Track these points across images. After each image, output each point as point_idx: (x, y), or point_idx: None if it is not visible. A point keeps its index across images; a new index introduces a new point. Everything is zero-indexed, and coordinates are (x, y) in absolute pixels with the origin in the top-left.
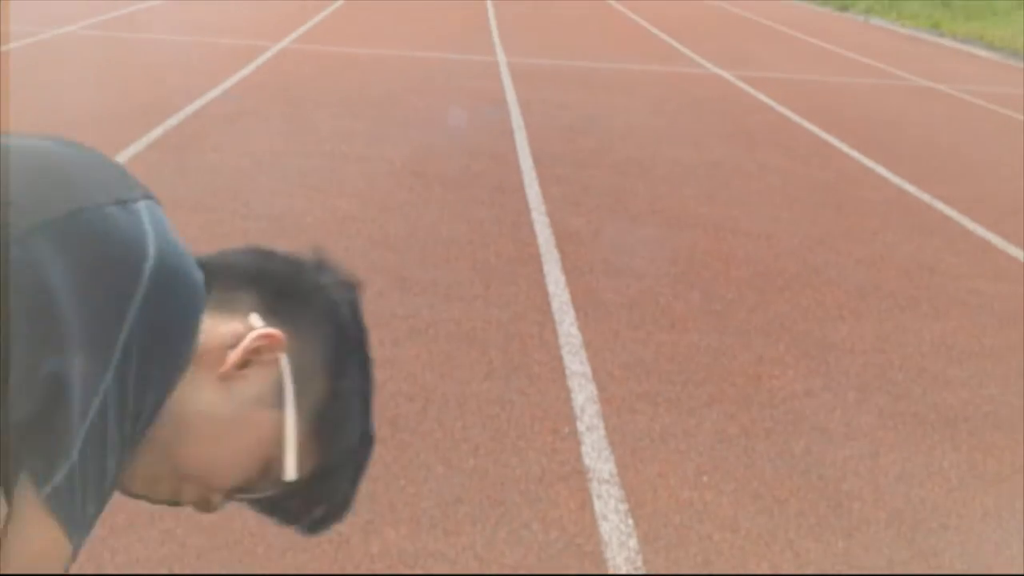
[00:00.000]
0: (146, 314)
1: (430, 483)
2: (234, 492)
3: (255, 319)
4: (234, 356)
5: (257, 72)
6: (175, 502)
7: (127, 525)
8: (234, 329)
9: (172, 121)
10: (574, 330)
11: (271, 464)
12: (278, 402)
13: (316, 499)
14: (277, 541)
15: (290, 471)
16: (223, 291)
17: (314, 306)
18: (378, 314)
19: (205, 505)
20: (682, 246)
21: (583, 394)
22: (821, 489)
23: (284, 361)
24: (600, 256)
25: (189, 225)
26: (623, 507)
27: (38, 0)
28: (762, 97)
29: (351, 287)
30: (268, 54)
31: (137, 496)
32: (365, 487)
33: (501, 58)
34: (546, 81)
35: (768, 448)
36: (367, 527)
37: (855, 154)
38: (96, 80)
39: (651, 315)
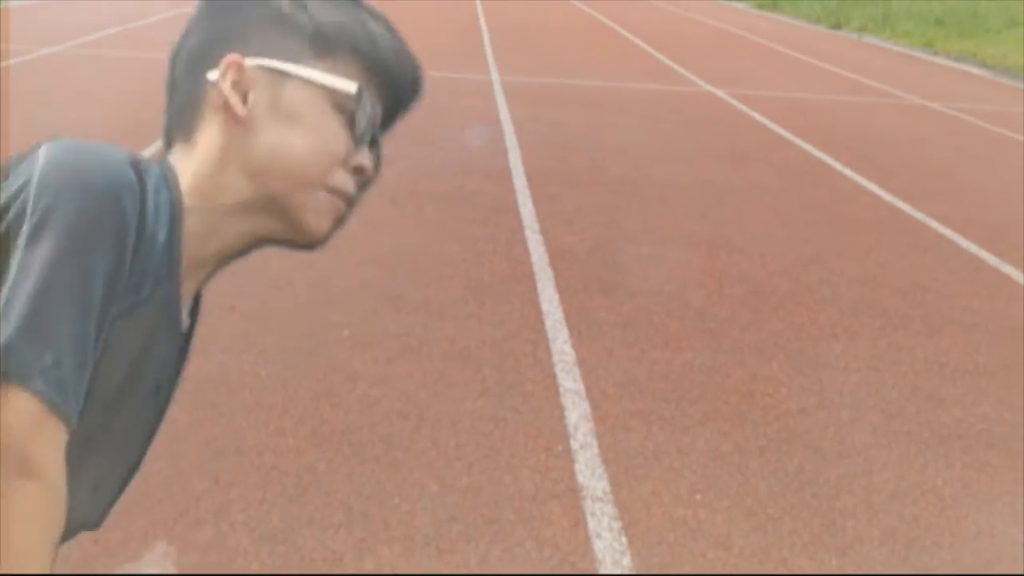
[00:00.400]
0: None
1: (424, 501)
2: (358, 141)
3: (209, 75)
4: (230, 100)
5: None
6: (347, 203)
7: (120, 544)
8: (214, 98)
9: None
10: (568, 348)
11: (341, 101)
12: (288, 77)
13: (394, 71)
14: (270, 560)
15: (347, 85)
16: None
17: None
18: (371, 332)
19: (358, 171)
20: (675, 264)
21: (577, 412)
22: (815, 507)
23: (249, 61)
24: (594, 274)
25: None
26: (617, 525)
27: (33, 19)
28: (755, 115)
29: None
30: None
31: (322, 232)
32: (358, 505)
33: (495, 76)
34: (539, 99)
35: (762, 466)
36: (360, 545)
37: (848, 172)
38: (86, 100)
39: (645, 333)
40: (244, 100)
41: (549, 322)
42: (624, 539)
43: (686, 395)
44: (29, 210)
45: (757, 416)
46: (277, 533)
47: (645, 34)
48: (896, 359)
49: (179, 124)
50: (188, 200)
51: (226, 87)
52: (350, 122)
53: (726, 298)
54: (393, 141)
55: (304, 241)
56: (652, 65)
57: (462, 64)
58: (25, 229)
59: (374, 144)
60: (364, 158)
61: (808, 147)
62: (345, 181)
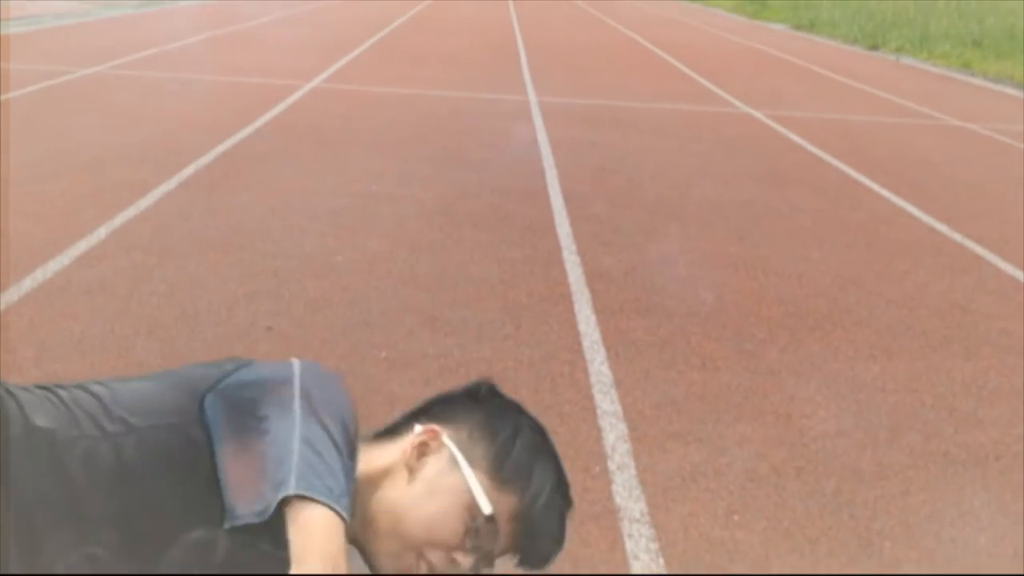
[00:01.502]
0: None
1: None
2: (466, 547)
3: (416, 428)
4: (409, 450)
5: (288, 111)
6: (433, 571)
7: None
8: (406, 442)
9: (203, 160)
10: (605, 369)
11: (474, 513)
12: (456, 468)
13: (533, 534)
14: None
15: (485, 506)
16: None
17: (460, 401)
18: (408, 354)
19: (453, 566)
20: (713, 285)
21: (614, 433)
22: (852, 528)
23: (446, 439)
24: (631, 295)
25: (219, 264)
26: (654, 546)
27: (66, 40)
28: (793, 136)
29: (484, 383)
30: (299, 94)
31: (379, 572)
32: None
33: (532, 97)
34: (577, 120)
35: (799, 487)
36: None
37: (886, 193)
38: (126, 120)
39: (682, 354)
40: (421, 457)
41: (586, 343)
42: (661, 560)
43: (723, 416)
44: (297, 393)
45: (795, 437)
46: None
47: (683, 55)
48: (934, 380)
49: (392, 427)
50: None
51: (416, 441)
52: (470, 529)
53: (763, 319)
54: (430, 163)
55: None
56: (689, 86)
57: (499, 85)
58: (297, 407)
59: (483, 561)
60: (463, 558)
61: (846, 168)
62: (439, 561)
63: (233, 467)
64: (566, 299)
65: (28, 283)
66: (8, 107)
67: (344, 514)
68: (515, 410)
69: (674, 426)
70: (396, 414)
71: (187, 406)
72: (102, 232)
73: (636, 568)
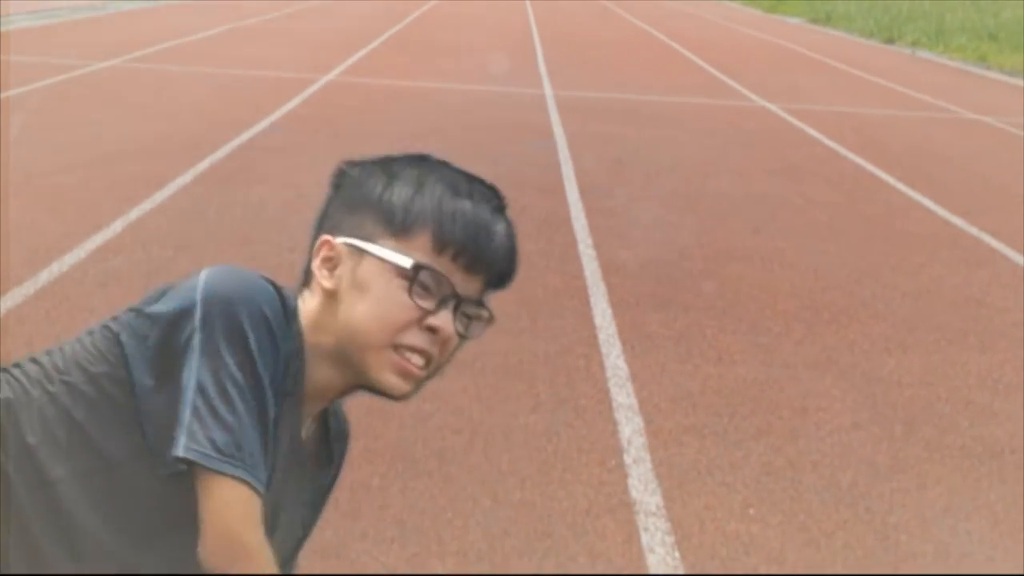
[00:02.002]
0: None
1: (477, 516)
2: (429, 309)
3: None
4: (317, 275)
5: (304, 105)
6: (425, 358)
7: None
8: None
9: (218, 154)
10: (621, 363)
11: (403, 274)
12: (362, 254)
13: (467, 245)
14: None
15: (403, 261)
16: None
17: (331, 204)
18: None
19: (439, 335)
20: (729, 279)
21: (630, 427)
22: (868, 522)
23: (338, 240)
24: (647, 289)
25: (235, 258)
26: (670, 540)
27: (82, 34)
28: (809, 130)
29: (337, 169)
30: (314, 87)
31: (399, 390)
32: (411, 520)
33: (547, 91)
34: (593, 113)
35: (815, 481)
36: (413, 560)
37: (902, 187)
38: (142, 113)
39: (698, 348)
40: (333, 271)
41: (602, 337)
42: (677, 554)
43: (739, 409)
44: (198, 326)
45: (810, 430)
46: (330, 548)
47: (698, 48)
48: (949, 374)
49: (306, 272)
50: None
51: (316, 264)
52: (410, 289)
53: (779, 313)
54: (445, 156)
55: (385, 394)
56: (705, 79)
57: (515, 78)
58: (196, 343)
59: (464, 307)
60: (437, 320)
61: (861, 161)
62: (418, 339)
63: (154, 413)
64: (582, 292)
65: (44, 276)
66: (24, 100)
67: (244, 473)
68: (379, 165)
69: (690, 420)
70: (407, 411)
71: (114, 350)
72: (118, 225)
73: (652, 561)
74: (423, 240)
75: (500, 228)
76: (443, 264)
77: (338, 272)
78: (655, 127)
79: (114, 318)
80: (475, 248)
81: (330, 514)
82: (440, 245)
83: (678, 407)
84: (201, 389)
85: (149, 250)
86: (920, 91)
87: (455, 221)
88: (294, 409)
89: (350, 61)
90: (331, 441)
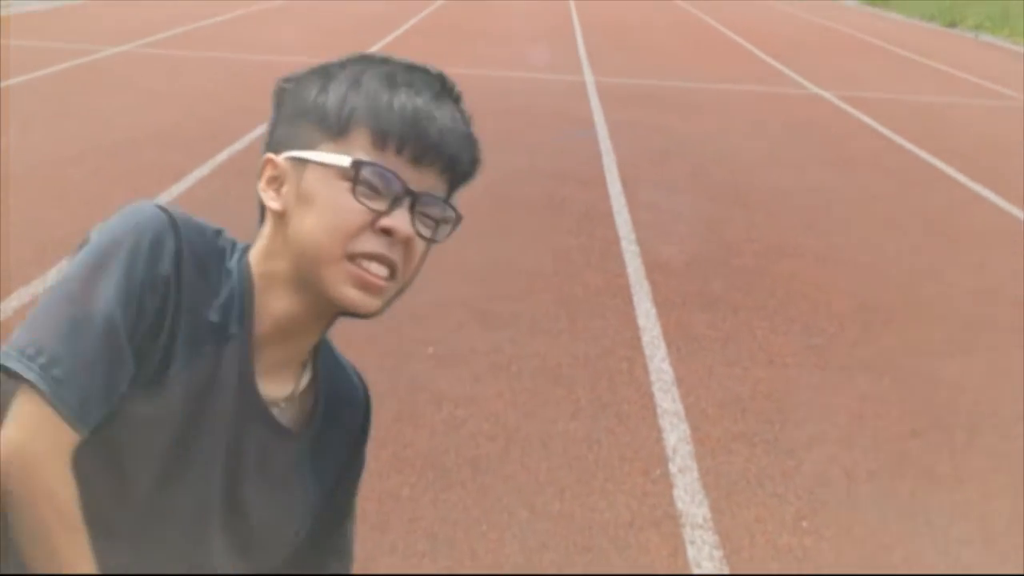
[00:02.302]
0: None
1: (513, 528)
2: (379, 209)
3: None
4: (263, 197)
5: None
6: (387, 266)
7: None
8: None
9: (238, 144)
10: (666, 366)
11: (345, 175)
12: (303, 164)
13: (409, 134)
14: None
15: (341, 160)
16: None
17: (273, 124)
18: (458, 349)
19: (394, 237)
20: (780, 277)
21: (675, 434)
22: (929, 536)
23: (278, 157)
24: (694, 288)
25: None
26: (718, 554)
27: (93, 18)
28: (865, 119)
29: (276, 85)
30: None
31: (363, 305)
32: (443, 532)
33: (588, 77)
34: (636, 102)
35: (872, 491)
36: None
37: (963, 179)
38: (156, 100)
39: (747, 350)
40: (279, 190)
41: (646, 338)
42: (726, 569)
43: (791, 416)
44: (91, 235)
45: (867, 438)
46: (357, 562)
47: (748, 33)
48: (1014, 378)
49: (260, 207)
50: (255, 273)
51: (261, 186)
52: (353, 188)
53: (834, 313)
54: (484, 146)
55: (351, 311)
56: (756, 66)
57: (554, 64)
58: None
59: (421, 205)
60: (391, 220)
61: (921, 153)
62: (373, 244)
63: None
64: (624, 291)
65: (53, 275)
66: (30, 87)
67: (36, 378)
68: (315, 72)
69: (739, 426)
70: (439, 417)
71: None
72: None
73: None
74: (362, 137)
75: (444, 112)
76: (388, 160)
77: (284, 191)
78: (702, 116)
79: None
80: (416, 136)
81: (357, 526)
82: (380, 139)
83: (726, 413)
84: (42, 301)
85: None
86: (983, 78)
87: (392, 111)
88: (241, 355)
89: (378, 45)
90: (328, 402)
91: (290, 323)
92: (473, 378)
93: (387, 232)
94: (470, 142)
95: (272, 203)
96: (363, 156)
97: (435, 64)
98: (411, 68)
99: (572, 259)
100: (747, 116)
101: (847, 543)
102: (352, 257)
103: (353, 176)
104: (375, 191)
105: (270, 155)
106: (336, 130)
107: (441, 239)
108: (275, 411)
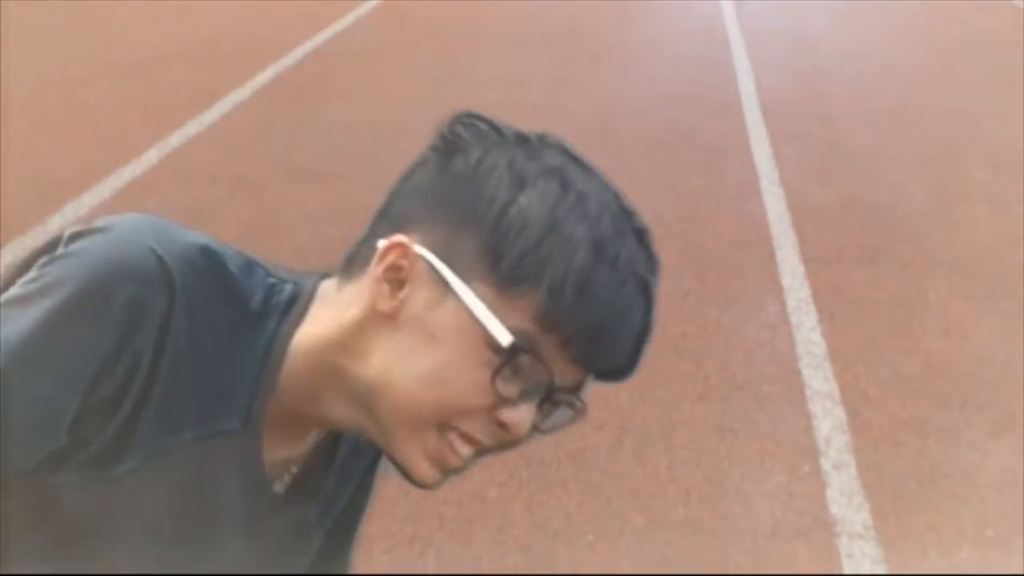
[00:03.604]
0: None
1: (627, 538)
2: (507, 397)
3: (380, 241)
4: (375, 287)
5: None
6: (475, 451)
7: None
8: (370, 275)
9: (286, 61)
10: (816, 336)
11: (495, 347)
12: (446, 290)
13: (581, 336)
14: None
15: (501, 336)
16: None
17: (423, 178)
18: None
19: (505, 429)
20: (960, 225)
21: (828, 421)
22: None
23: (419, 249)
24: (851, 239)
25: (306, 198)
26: (881, 569)
27: None
28: None
29: (439, 139)
30: None
31: (427, 481)
32: (539, 544)
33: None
34: (778, 5)
35: None
36: None
37: None
38: (184, 8)
39: (918, 318)
40: (399, 289)
41: (792, 302)
42: None
43: (972, 398)
44: (39, 264)
45: None
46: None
47: None
48: None
49: (352, 258)
50: (303, 347)
51: (377, 272)
52: (496, 373)
53: None
54: (587, 62)
55: (406, 478)
56: None
57: None
58: (24, 279)
59: (546, 403)
60: (514, 415)
61: None
62: (478, 428)
63: None
64: (765, 243)
65: (56, 222)
66: None
67: None
68: (506, 159)
69: (907, 412)
70: None
71: None
72: (153, 155)
73: None
74: (530, 303)
75: (636, 317)
76: (547, 344)
77: (404, 293)
78: (863, 25)
79: None
80: (593, 344)
81: (432, 535)
82: (550, 323)
83: (892, 394)
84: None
85: (195, 187)
86: None
87: (582, 297)
88: (244, 451)
89: None
90: (340, 468)
91: (323, 417)
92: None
93: (502, 425)
94: (641, 353)
95: (383, 302)
96: (522, 325)
97: None
98: (621, 222)
99: (700, 204)
100: (917, 24)
101: None
102: (445, 427)
103: (504, 359)
104: (514, 375)
105: (404, 240)
106: (504, 278)
107: (550, 431)
108: (286, 478)
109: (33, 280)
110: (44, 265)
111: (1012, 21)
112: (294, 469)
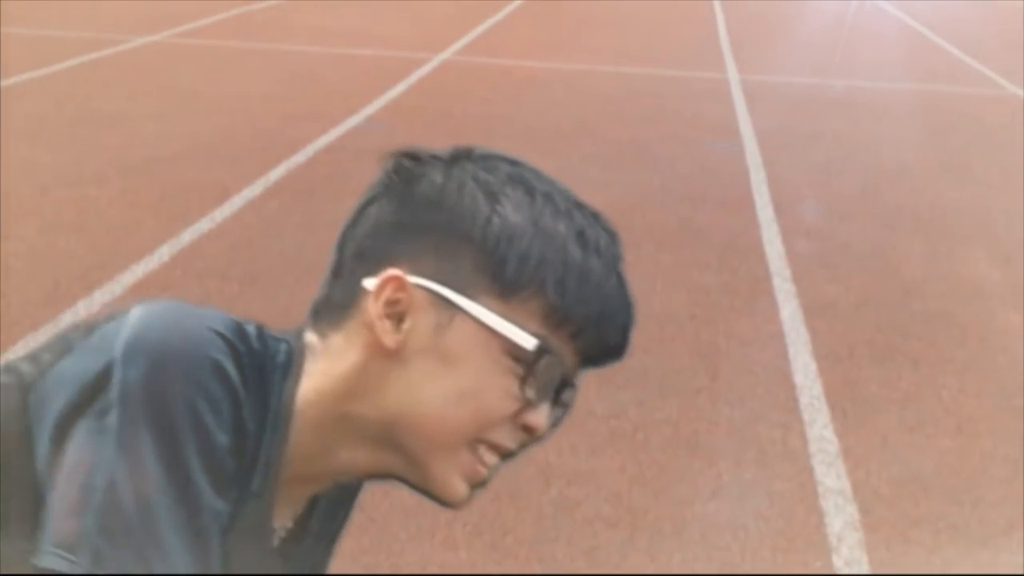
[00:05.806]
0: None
1: None
2: (532, 400)
3: (366, 284)
4: (377, 325)
5: (410, 93)
6: (500, 459)
7: None
8: (365, 315)
9: (297, 157)
10: (828, 433)
11: (517, 354)
12: (453, 311)
13: (586, 322)
14: None
15: (525, 341)
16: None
17: (382, 228)
18: (571, 412)
19: (528, 432)
20: (971, 323)
21: (840, 518)
22: None
23: (413, 279)
24: (863, 336)
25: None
26: None
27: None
28: None
29: (397, 157)
30: (424, 69)
31: (462, 499)
32: None
33: (732, 75)
34: (790, 104)
35: None
36: None
37: None
38: (195, 103)
39: (931, 414)
40: (400, 322)
41: (804, 399)
42: None
43: (985, 496)
44: (116, 399)
45: None
46: None
47: (929, 18)
48: None
49: (327, 307)
50: (306, 407)
51: (377, 309)
52: (525, 377)
53: None
54: (598, 161)
55: (440, 501)
56: (939, 59)
57: (692, 59)
58: (115, 419)
59: (558, 398)
60: (538, 417)
61: None
62: (506, 436)
63: (54, 492)
64: (777, 340)
65: (67, 318)
66: (40, 87)
67: None
68: (469, 177)
69: (920, 509)
70: (545, 498)
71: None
72: (164, 252)
73: None
74: (535, 305)
75: (624, 295)
76: (558, 341)
77: (407, 325)
78: (873, 123)
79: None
80: (599, 329)
81: None
82: (558, 320)
83: (904, 492)
84: (112, 487)
85: (206, 284)
86: None
87: (584, 287)
88: (262, 512)
89: (472, 35)
90: (325, 520)
91: (339, 474)
92: (589, 450)
93: (527, 428)
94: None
95: (387, 337)
96: (533, 327)
97: (546, 58)
98: (584, 213)
99: (713, 300)
100: (928, 122)
101: None
102: (476, 442)
103: (531, 363)
104: (536, 380)
105: (397, 273)
106: (508, 286)
107: (556, 425)
108: (281, 533)
109: (112, 409)
110: (124, 394)
111: (1022, 115)
112: (289, 525)
